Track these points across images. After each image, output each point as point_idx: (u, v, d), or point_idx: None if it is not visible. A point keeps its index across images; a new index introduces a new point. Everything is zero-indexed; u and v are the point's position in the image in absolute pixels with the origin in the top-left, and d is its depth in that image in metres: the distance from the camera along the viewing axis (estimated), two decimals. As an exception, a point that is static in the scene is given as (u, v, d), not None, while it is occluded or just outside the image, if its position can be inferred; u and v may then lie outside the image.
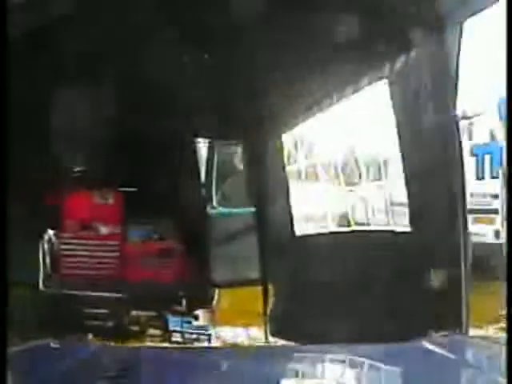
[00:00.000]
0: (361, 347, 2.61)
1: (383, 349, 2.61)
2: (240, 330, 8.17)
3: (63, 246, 8.01)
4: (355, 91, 5.94)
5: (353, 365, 2.45)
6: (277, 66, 6.29)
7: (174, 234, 8.45)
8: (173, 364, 2.58)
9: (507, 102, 3.30)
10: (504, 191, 7.76)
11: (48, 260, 7.92)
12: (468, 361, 2.50)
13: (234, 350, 3.80)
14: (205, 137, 8.90)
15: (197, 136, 8.89)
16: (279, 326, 7.73)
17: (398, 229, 5.49)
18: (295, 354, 2.85)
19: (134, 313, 7.93)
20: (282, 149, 8.05)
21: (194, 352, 3.36)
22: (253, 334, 8.04)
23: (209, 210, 8.64)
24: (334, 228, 7.93)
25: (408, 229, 5.30)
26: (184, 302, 8.18)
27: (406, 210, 5.42)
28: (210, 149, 8.86)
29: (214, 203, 8.70)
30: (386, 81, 5.32)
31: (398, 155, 5.40)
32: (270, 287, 8.05)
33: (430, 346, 2.40)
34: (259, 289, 8.07)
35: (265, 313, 7.95)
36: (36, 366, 2.53)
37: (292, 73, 6.36)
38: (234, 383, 2.24)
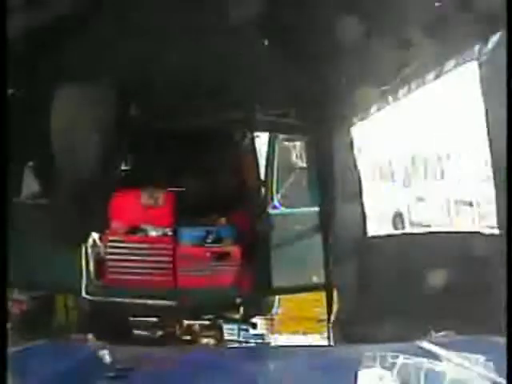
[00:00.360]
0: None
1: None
2: (301, 338, 7.85)
3: (109, 250, 7.59)
4: (436, 77, 5.33)
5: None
6: (345, 51, 5.76)
7: (231, 237, 7.93)
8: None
9: (507, 102, 3.32)
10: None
11: (92, 265, 7.51)
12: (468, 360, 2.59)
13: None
14: (265, 131, 8.30)
15: (256, 130, 8.32)
16: (344, 333, 7.17)
17: (486, 231, 4.90)
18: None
19: (186, 321, 7.51)
20: (351, 143, 7.44)
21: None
22: (315, 342, 7.58)
23: (269, 209, 8.06)
24: (408, 229, 7.44)
25: (496, 231, 4.72)
26: (241, 309, 7.74)
27: (491, 211, 4.85)
28: (271, 144, 8.24)
29: (276, 203, 8.13)
30: (473, 64, 4.67)
31: (480, 150, 4.79)
32: (335, 292, 7.52)
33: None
34: (323, 294, 7.58)
35: (328, 319, 7.43)
36: (36, 366, 2.67)
37: (362, 58, 5.84)
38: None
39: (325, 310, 7.55)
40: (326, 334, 7.43)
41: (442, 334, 3.09)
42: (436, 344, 2.70)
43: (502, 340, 2.50)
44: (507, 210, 3.26)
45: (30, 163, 6.91)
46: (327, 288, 7.54)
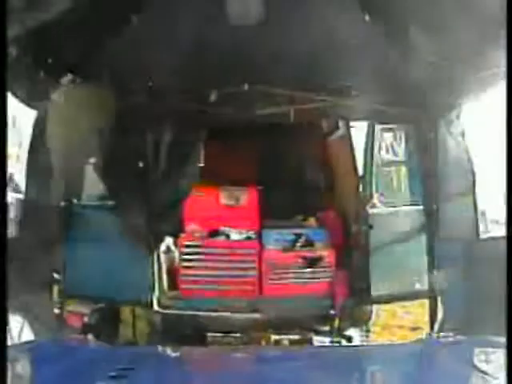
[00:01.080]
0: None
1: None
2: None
3: (185, 257, 7.07)
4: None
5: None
6: (452, 30, 5.17)
7: (323, 239, 7.30)
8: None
9: (507, 101, 3.35)
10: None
11: (165, 273, 7.00)
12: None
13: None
14: (362, 120, 7.46)
15: (352, 119, 7.56)
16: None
17: None
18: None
19: (273, 336, 6.81)
20: (463, 133, 6.87)
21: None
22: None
23: (368, 209, 7.27)
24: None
25: None
26: (336, 321, 7.02)
27: None
28: (369, 135, 7.40)
29: (375, 200, 7.32)
30: None
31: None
32: (440, 299, 6.94)
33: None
34: (426, 302, 7.00)
35: (432, 328, 6.84)
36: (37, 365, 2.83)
37: (473, 36, 5.16)
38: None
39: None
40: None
41: (442, 334, 3.21)
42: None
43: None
44: (507, 210, 3.26)
45: (93, 160, 6.48)
46: (431, 295, 6.94)
